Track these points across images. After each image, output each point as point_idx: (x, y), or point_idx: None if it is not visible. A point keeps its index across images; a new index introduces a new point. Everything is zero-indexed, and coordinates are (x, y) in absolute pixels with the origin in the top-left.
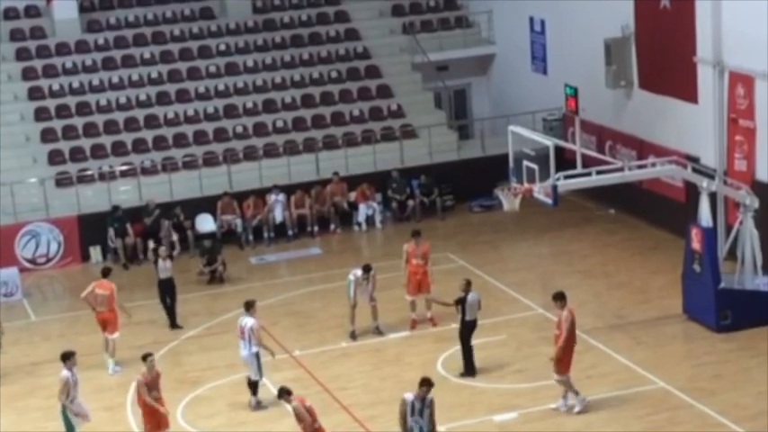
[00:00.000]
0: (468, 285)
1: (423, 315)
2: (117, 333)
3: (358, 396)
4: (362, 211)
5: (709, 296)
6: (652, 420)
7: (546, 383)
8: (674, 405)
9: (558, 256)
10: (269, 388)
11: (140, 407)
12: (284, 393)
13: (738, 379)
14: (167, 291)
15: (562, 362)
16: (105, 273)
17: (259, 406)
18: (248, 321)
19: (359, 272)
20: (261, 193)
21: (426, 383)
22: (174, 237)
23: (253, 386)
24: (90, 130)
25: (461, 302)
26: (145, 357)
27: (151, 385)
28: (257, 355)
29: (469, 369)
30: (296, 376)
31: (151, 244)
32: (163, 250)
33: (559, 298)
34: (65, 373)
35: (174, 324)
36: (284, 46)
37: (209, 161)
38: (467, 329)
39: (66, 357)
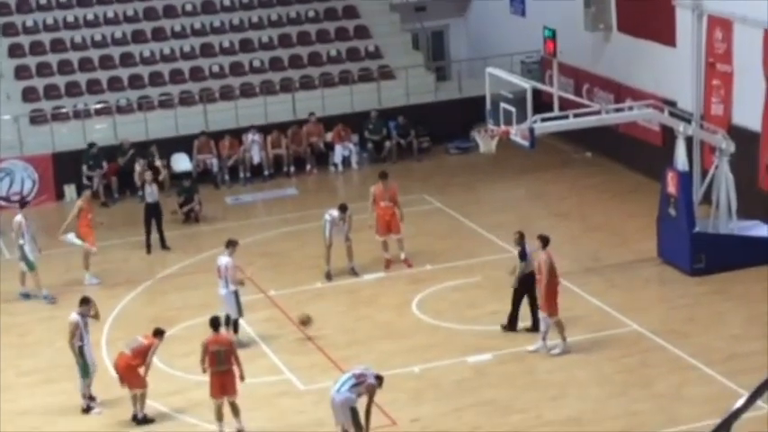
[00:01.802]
0: (521, 237)
1: (396, 256)
2: (91, 247)
3: (333, 336)
4: (338, 152)
5: (684, 240)
6: (625, 363)
7: (520, 325)
8: (647, 347)
9: (534, 198)
10: (244, 327)
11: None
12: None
13: (711, 322)
14: (153, 215)
15: (550, 304)
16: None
17: (240, 345)
18: (223, 260)
19: (335, 212)
20: (237, 133)
21: (379, 379)
22: (158, 162)
23: (234, 325)
24: (65, 67)
25: (523, 256)
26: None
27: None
28: (236, 294)
29: (512, 323)
30: (271, 316)
31: (137, 167)
32: (149, 174)
33: (540, 239)
34: (74, 316)
35: (163, 245)
36: None
37: (186, 100)
38: (523, 282)
39: (81, 303)
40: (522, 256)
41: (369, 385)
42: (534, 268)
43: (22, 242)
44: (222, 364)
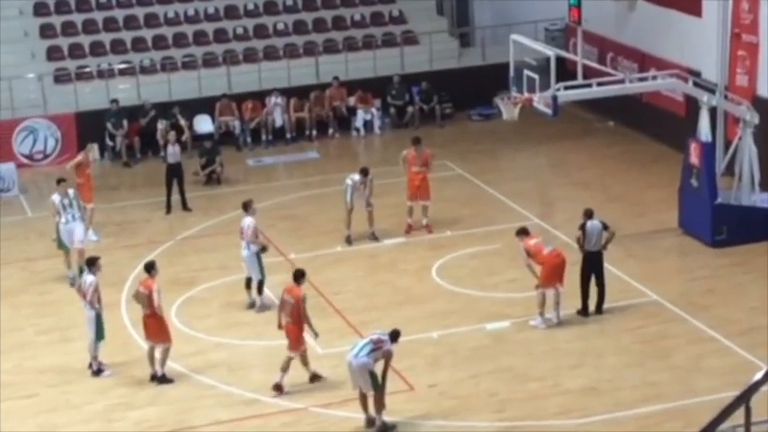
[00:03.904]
0: (586, 214)
1: (418, 222)
2: (85, 203)
3: (352, 301)
4: (360, 117)
5: (706, 211)
6: (643, 333)
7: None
8: (667, 318)
9: (555, 166)
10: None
11: (152, 314)
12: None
13: (731, 294)
14: (175, 175)
15: (543, 277)
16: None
17: (263, 308)
18: (246, 221)
19: (356, 176)
20: (260, 96)
21: (393, 337)
22: (182, 121)
23: (258, 286)
24: (89, 26)
25: (582, 227)
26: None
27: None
28: (258, 255)
29: (583, 308)
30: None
31: (160, 125)
32: (172, 135)
33: (519, 231)
34: (93, 278)
35: (184, 206)
36: None
37: (209, 62)
38: (584, 261)
39: (92, 263)
40: (582, 230)
41: (386, 351)
42: (594, 246)
43: (57, 220)
44: (287, 316)
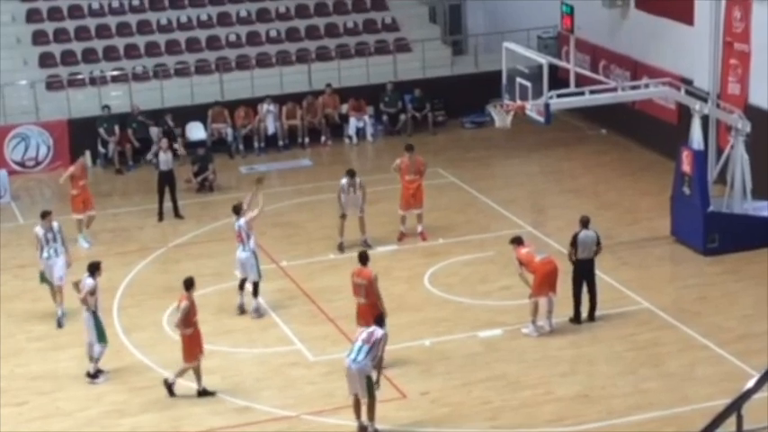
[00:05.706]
0: (582, 222)
1: (413, 229)
2: (76, 214)
3: (344, 308)
4: (353, 124)
5: (698, 219)
6: (635, 340)
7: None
8: (659, 326)
9: (548, 174)
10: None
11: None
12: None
13: (723, 302)
14: (167, 182)
15: (534, 286)
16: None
17: (258, 312)
18: (240, 221)
19: (343, 180)
20: (252, 103)
21: (379, 322)
22: (171, 125)
23: (254, 288)
24: (82, 33)
25: (574, 240)
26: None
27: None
28: (255, 256)
29: (576, 315)
30: (282, 287)
31: (153, 131)
32: (164, 142)
33: (513, 242)
34: (91, 281)
35: (176, 214)
36: None
37: (202, 69)
38: (575, 268)
39: (95, 267)
40: (574, 239)
41: (381, 337)
42: (586, 254)
43: (39, 254)
44: (361, 297)
